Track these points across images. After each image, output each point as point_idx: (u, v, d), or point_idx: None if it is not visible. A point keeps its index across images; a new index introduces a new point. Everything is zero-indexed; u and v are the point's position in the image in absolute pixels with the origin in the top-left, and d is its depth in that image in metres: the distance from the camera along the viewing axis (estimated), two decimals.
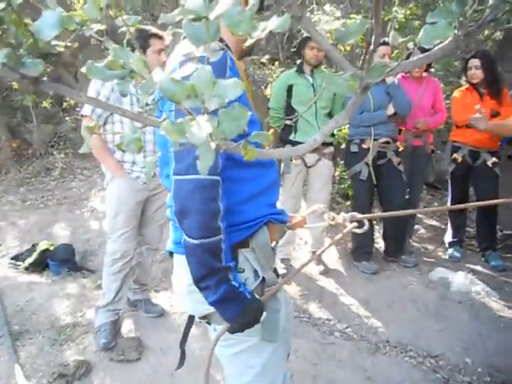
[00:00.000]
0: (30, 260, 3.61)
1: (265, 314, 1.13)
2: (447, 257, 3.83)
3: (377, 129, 3.42)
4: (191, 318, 1.25)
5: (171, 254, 1.24)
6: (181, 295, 1.21)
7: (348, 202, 4.89)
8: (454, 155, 3.65)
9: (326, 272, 3.61)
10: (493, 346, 2.60)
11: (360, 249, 3.69)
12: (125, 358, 2.39)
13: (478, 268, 3.60)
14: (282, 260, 3.62)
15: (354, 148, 3.56)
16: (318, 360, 2.43)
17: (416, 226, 4.55)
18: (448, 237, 3.89)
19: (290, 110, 3.44)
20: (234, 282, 1.06)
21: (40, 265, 3.61)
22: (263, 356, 1.20)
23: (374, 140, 3.43)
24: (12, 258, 3.82)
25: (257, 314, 1.10)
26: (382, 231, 3.93)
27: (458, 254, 3.76)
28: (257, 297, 1.12)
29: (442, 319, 2.91)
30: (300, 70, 3.43)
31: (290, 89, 3.42)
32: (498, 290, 3.24)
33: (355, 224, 1.32)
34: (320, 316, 3.05)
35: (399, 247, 3.73)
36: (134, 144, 0.55)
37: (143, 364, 2.36)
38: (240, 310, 1.07)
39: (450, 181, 3.81)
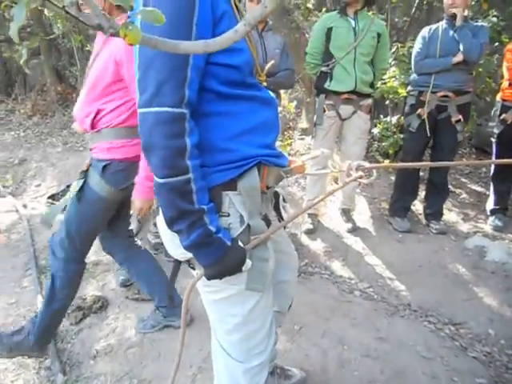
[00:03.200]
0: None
1: (250, 262, 1.06)
2: (488, 225, 3.58)
3: (437, 79, 3.14)
4: (177, 263, 1.20)
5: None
6: (164, 238, 1.16)
7: (388, 161, 4.66)
8: (504, 115, 3.32)
9: (354, 230, 3.49)
10: None
11: (398, 202, 3.54)
12: (140, 297, 2.45)
13: None
14: (310, 215, 3.52)
15: (411, 100, 3.38)
16: (331, 316, 2.38)
17: (458, 191, 4.28)
18: (490, 204, 3.62)
19: (327, 56, 3.21)
20: (210, 227, 0.98)
21: None
22: (246, 306, 1.14)
23: (433, 92, 3.18)
24: (49, 198, 3.97)
25: (237, 263, 1.03)
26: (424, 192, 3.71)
27: (499, 223, 3.50)
28: (240, 244, 1.04)
29: (471, 288, 2.75)
30: (343, 12, 3.16)
31: (329, 32, 3.17)
32: None
33: (361, 173, 1.19)
34: (342, 274, 2.97)
35: (439, 209, 3.54)
36: None
37: None
38: (216, 256, 1.00)
39: (495, 143, 3.49)
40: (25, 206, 3.79)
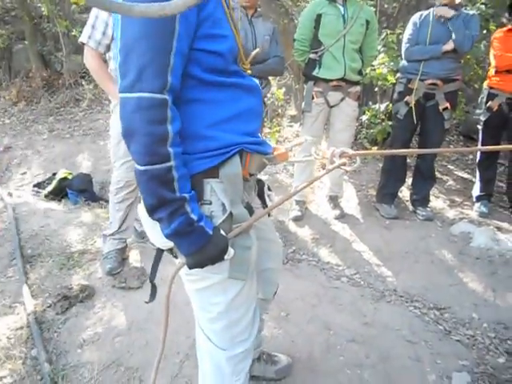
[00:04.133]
0: (49, 188, 3.70)
1: (232, 251, 1.06)
2: (474, 211, 3.62)
3: (426, 67, 3.13)
4: (160, 251, 1.19)
5: None
6: (145, 226, 1.15)
7: (376, 148, 4.67)
8: (490, 103, 3.34)
9: (342, 217, 3.50)
10: (505, 304, 2.47)
11: (385, 189, 3.56)
12: (126, 286, 2.44)
13: (505, 225, 3.37)
14: (297, 202, 3.53)
15: (399, 88, 3.39)
16: (317, 302, 2.40)
17: (445, 178, 4.32)
18: (476, 190, 3.66)
19: (316, 43, 3.18)
20: (192, 215, 0.97)
21: (59, 193, 3.70)
22: (228, 294, 1.14)
23: (421, 80, 3.18)
24: (34, 186, 3.93)
25: (219, 252, 1.02)
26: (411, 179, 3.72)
27: (485, 210, 3.54)
28: (222, 233, 1.04)
29: (456, 274, 2.79)
30: None
31: (318, 18, 3.14)
32: None
33: (344, 160, 1.19)
34: (329, 261, 2.99)
35: (426, 196, 3.57)
36: None
37: (143, 292, 2.39)
38: (198, 245, 0.99)
39: (481, 131, 3.52)
40: (10, 195, 3.73)
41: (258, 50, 1.25)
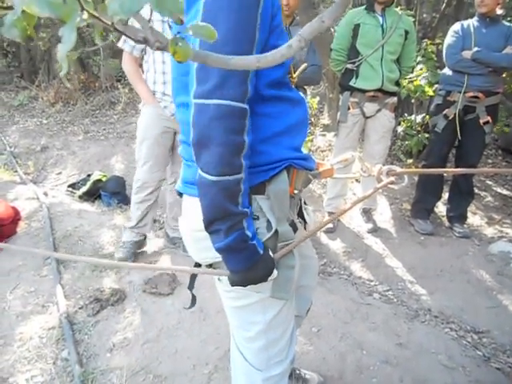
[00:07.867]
0: (84, 189, 3.77)
1: (276, 271, 1.02)
2: None
3: (472, 79, 3.03)
4: (197, 265, 1.17)
5: (180, 194, 1.15)
6: (186, 240, 1.12)
7: (411, 160, 4.56)
8: None
9: (375, 231, 3.43)
10: None
11: (420, 204, 3.46)
12: (157, 292, 2.43)
13: None
14: (330, 214, 3.47)
15: (438, 100, 3.31)
16: (349, 319, 2.33)
17: (483, 193, 4.17)
18: None
19: (353, 53, 3.14)
20: (247, 232, 0.93)
21: (93, 194, 3.76)
22: (268, 314, 1.11)
23: (460, 92, 3.09)
24: (69, 186, 4.00)
25: (265, 273, 0.98)
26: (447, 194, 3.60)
27: None
28: (270, 254, 1.00)
29: (495, 296, 2.67)
30: (370, 8, 3.08)
31: (356, 28, 3.10)
32: None
33: (392, 179, 1.14)
34: (361, 275, 2.92)
35: (463, 212, 3.44)
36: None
37: (174, 299, 2.39)
38: (247, 263, 0.96)
39: None
40: (45, 194, 3.82)
41: (305, 64, 1.22)
